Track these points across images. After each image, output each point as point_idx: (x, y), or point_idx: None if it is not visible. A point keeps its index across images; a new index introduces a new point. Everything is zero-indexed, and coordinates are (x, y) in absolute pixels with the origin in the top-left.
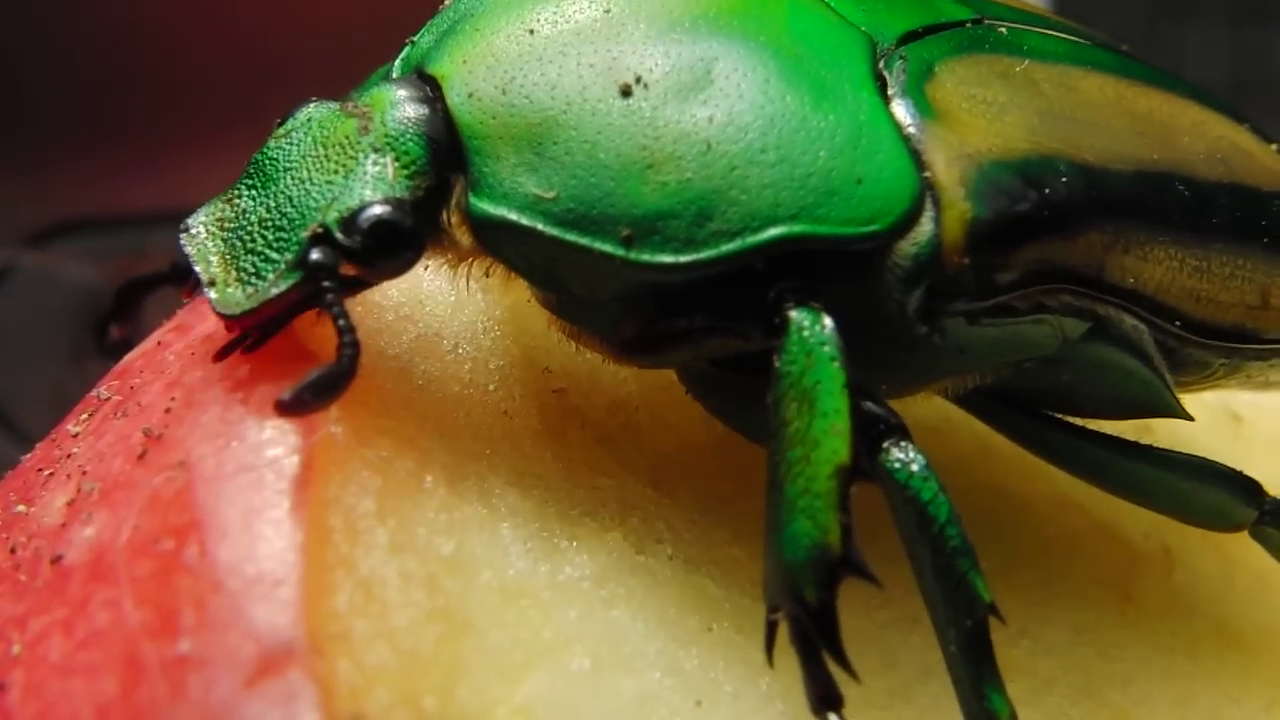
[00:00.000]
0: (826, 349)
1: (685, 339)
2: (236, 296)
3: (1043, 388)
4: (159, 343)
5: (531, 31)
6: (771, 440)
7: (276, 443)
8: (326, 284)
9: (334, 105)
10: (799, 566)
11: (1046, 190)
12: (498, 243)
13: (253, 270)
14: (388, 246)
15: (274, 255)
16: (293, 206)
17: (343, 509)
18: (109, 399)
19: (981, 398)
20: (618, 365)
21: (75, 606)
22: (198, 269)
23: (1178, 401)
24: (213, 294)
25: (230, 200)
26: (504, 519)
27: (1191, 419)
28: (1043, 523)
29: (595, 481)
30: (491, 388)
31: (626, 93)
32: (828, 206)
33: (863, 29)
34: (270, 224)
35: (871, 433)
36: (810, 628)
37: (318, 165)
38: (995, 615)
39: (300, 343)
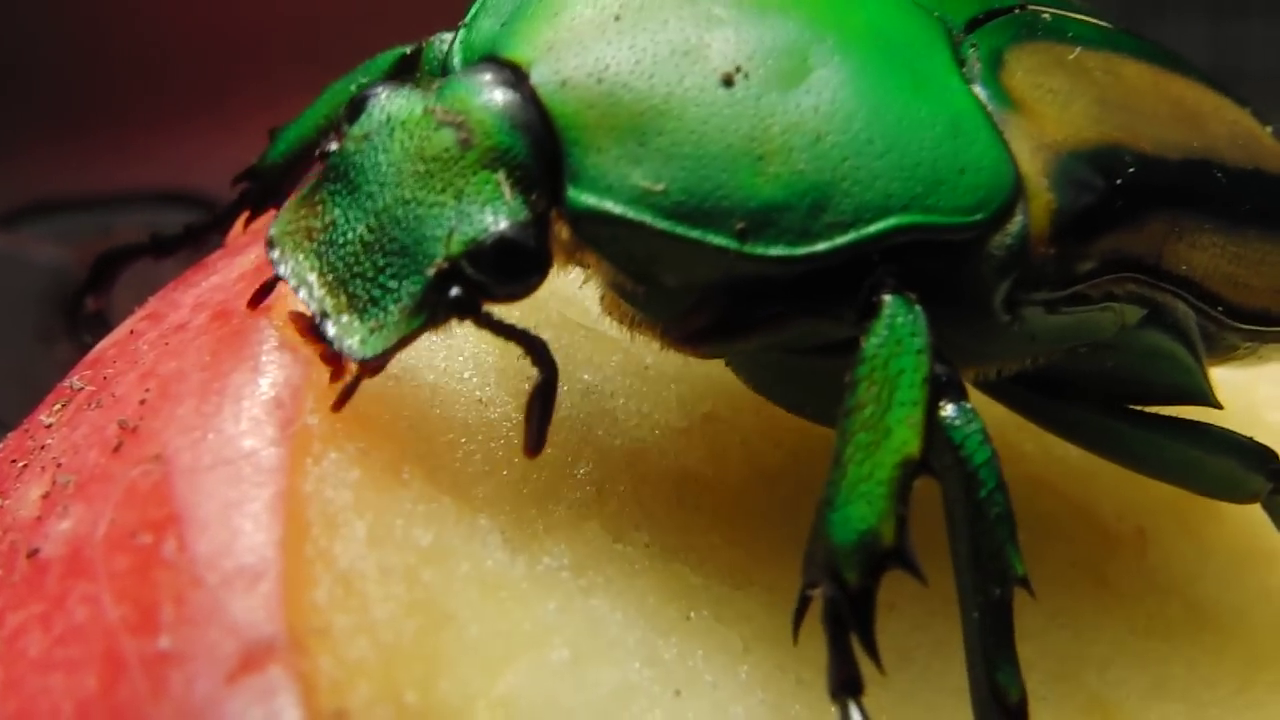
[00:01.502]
0: (916, 340)
1: (763, 325)
2: (361, 334)
3: (1085, 371)
4: (131, 331)
5: (617, 17)
6: (842, 418)
7: (253, 435)
8: (473, 318)
9: (413, 98)
10: (847, 549)
11: (1117, 180)
12: (598, 236)
13: (369, 301)
14: (518, 274)
15: (393, 286)
16: (403, 231)
17: (320, 502)
18: (82, 389)
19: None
20: (681, 353)
21: (53, 601)
22: (301, 294)
23: (1211, 389)
24: (332, 331)
25: (314, 207)
26: (481, 510)
27: (1221, 407)
28: (1016, 505)
29: (571, 469)
30: (466, 375)
31: (728, 82)
32: (935, 196)
33: (936, 14)
34: (380, 248)
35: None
36: (846, 611)
37: (421, 184)
38: (1026, 589)
39: (271, 329)
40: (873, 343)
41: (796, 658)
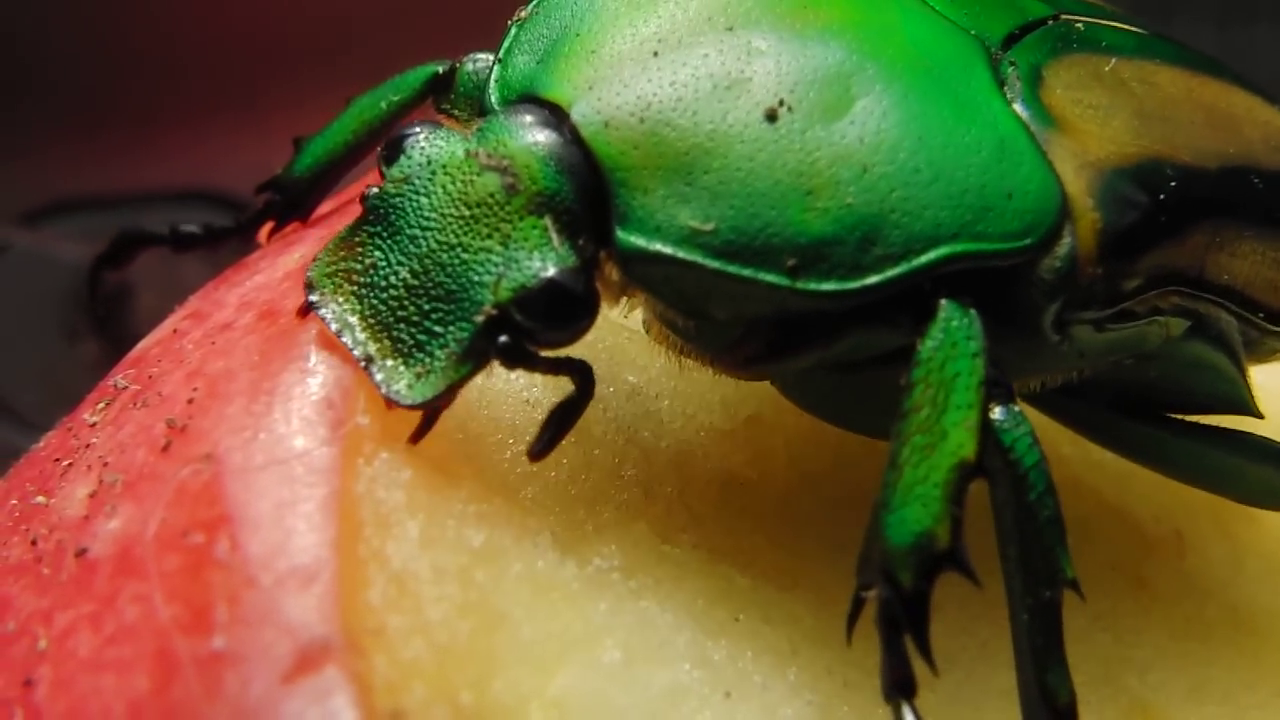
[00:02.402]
0: (972, 343)
1: (814, 343)
2: (407, 379)
3: (1128, 381)
4: (175, 330)
5: (655, 54)
6: (898, 421)
7: (304, 435)
8: (522, 363)
9: (453, 140)
10: (902, 551)
11: (1160, 195)
12: (649, 276)
13: (414, 346)
14: (567, 320)
15: (439, 331)
16: (448, 276)
17: (372, 502)
18: (126, 388)
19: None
20: (729, 376)
21: (103, 601)
22: (344, 338)
23: (1253, 398)
24: (378, 376)
25: (354, 250)
26: (531, 510)
27: (1262, 416)
28: None
29: (618, 471)
30: (514, 377)
31: (772, 117)
32: (984, 223)
33: (973, 33)
34: (424, 293)
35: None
36: (900, 613)
37: (466, 229)
38: (1075, 591)
39: (319, 328)
40: (929, 345)
41: (844, 660)
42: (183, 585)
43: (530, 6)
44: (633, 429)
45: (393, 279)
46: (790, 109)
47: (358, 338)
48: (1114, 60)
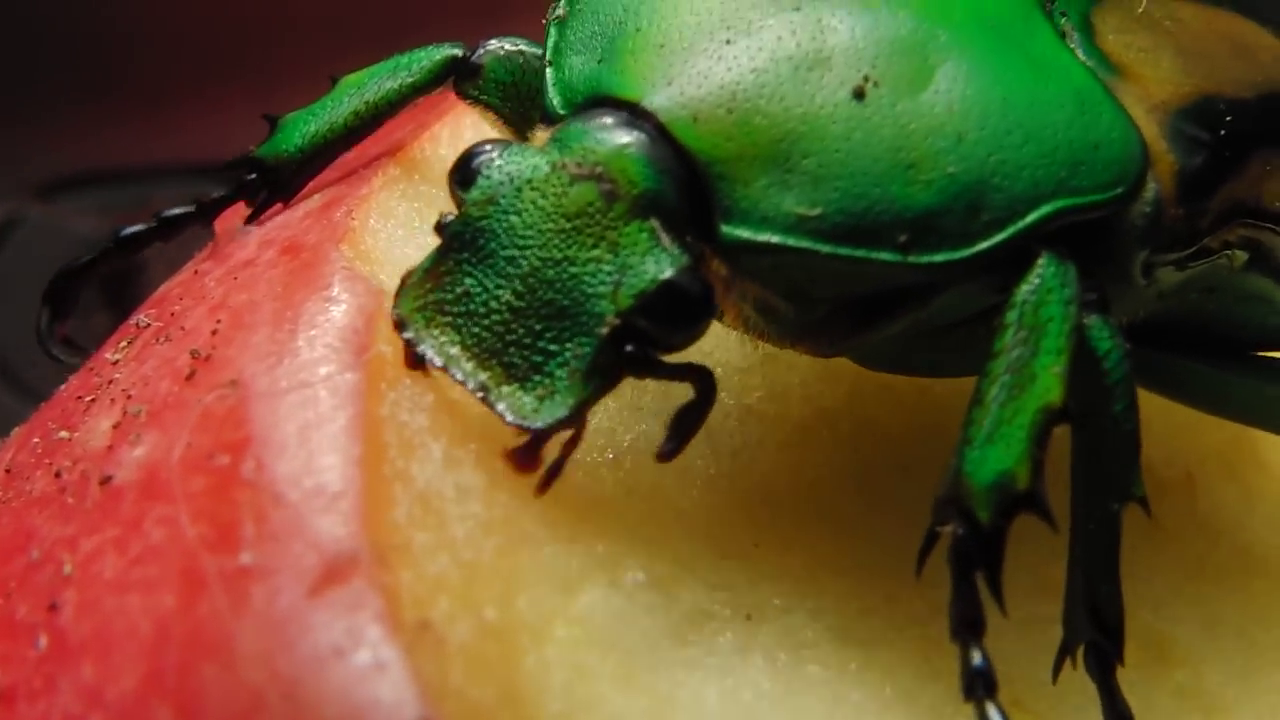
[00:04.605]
0: (1066, 290)
1: (903, 312)
2: (530, 404)
3: (1181, 316)
4: (195, 271)
5: (728, 41)
6: (988, 359)
7: (329, 360)
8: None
9: (530, 154)
10: (982, 488)
11: (1220, 130)
12: (758, 267)
13: (530, 368)
14: (690, 321)
15: (555, 350)
16: (558, 293)
17: (396, 425)
18: (149, 325)
19: None
20: (810, 355)
21: (128, 525)
22: (453, 372)
23: None
24: (500, 404)
25: (440, 279)
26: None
27: None
28: (1068, 445)
29: (636, 402)
30: None
31: (860, 94)
32: (1078, 177)
33: None
34: (533, 314)
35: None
36: (975, 550)
37: (569, 242)
38: (1143, 507)
39: (342, 260)
40: (1024, 289)
41: (863, 587)
42: (209, 505)
43: (564, 3)
44: None
45: (493, 304)
46: (876, 84)
47: (466, 369)
48: (1143, 0)
